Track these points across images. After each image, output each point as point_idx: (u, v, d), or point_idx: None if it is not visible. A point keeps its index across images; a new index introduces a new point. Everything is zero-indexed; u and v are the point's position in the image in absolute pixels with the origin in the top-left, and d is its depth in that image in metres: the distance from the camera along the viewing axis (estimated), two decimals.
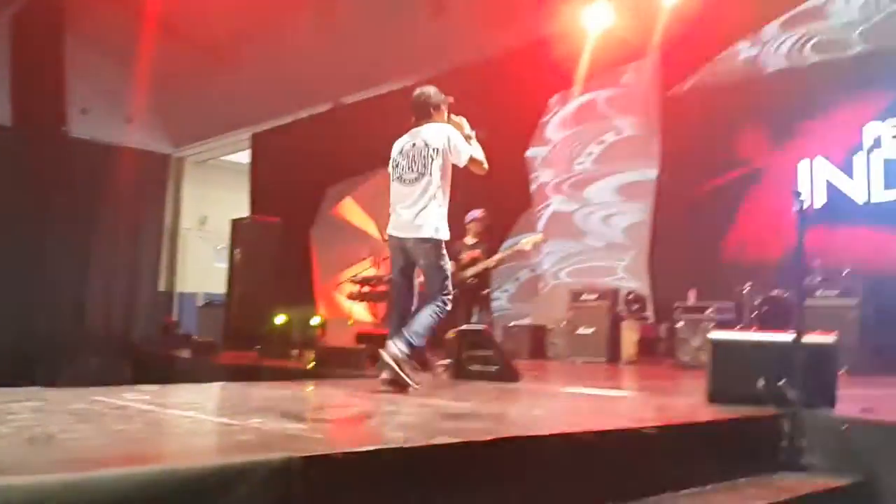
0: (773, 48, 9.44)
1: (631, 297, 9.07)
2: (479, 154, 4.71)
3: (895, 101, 8.28)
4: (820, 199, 8.70)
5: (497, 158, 11.15)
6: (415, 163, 4.53)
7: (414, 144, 4.60)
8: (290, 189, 14.03)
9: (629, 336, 8.58)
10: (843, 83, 8.67)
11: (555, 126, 11.68)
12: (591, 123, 11.15)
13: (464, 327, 5.88)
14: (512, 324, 10.18)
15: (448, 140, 4.54)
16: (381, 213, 13.37)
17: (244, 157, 16.53)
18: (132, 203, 15.33)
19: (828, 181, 8.70)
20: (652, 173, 10.36)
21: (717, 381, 3.95)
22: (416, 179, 4.51)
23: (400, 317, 4.67)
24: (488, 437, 2.68)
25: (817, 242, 7.56)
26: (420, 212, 4.46)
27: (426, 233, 4.45)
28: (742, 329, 6.68)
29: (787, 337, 3.76)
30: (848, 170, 8.56)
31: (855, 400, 4.16)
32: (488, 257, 7.17)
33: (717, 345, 4.02)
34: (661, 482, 3.04)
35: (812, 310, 6.74)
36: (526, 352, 9.29)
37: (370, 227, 13.24)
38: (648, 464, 3.09)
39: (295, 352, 8.98)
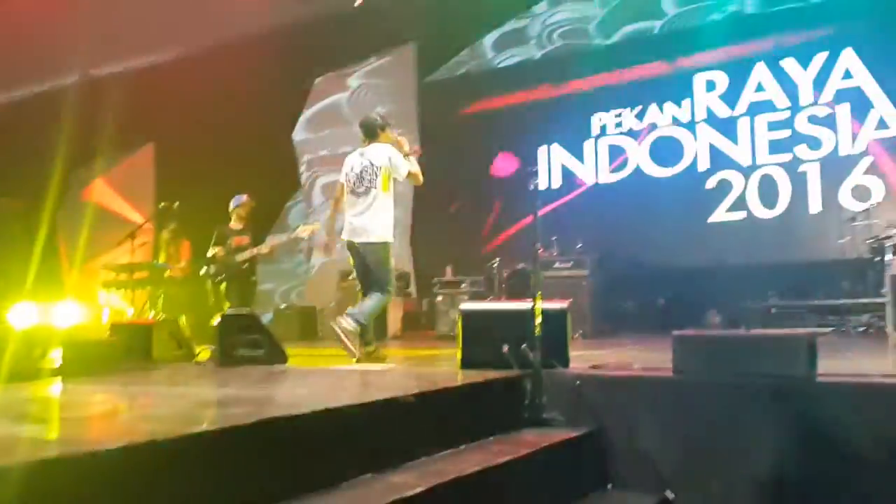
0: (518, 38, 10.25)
1: (395, 274, 9.39)
2: (416, 168, 5.44)
3: (621, 92, 9.42)
4: (556, 181, 9.69)
5: (264, 142, 10.99)
6: (362, 178, 5.29)
7: (362, 162, 5.33)
8: (30, 168, 12.54)
9: (394, 312, 8.91)
10: (574, 73, 9.66)
11: (320, 110, 11.68)
12: (357, 107, 11.31)
13: (229, 312, 5.74)
14: (283, 306, 10.10)
15: (389, 159, 5.28)
16: (138, 196, 12.59)
17: None
18: None
19: (562, 165, 9.71)
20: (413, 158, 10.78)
21: (467, 348, 4.25)
22: (365, 192, 5.27)
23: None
24: (247, 421, 2.66)
25: (554, 220, 8.46)
26: (368, 219, 5.25)
27: (373, 237, 5.26)
28: (493, 300, 7.23)
29: (526, 305, 4.12)
30: (579, 154, 9.61)
31: (586, 359, 4.69)
32: (256, 243, 7.06)
33: (467, 315, 4.32)
34: (419, 447, 3.22)
35: (551, 280, 7.52)
36: (296, 334, 9.29)
37: (126, 211, 12.32)
38: (408, 431, 3.26)
39: (40, 348, 8.12)
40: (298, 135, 11.79)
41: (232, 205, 7.19)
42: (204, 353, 5.80)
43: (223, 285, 7.02)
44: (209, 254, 7.13)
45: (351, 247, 5.37)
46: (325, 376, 4.83)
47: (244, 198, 7.21)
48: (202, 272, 7.18)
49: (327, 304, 9.50)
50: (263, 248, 7.04)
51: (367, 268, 5.35)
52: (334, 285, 9.36)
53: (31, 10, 9.70)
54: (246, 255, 6.96)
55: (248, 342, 5.31)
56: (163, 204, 8.36)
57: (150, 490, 2.20)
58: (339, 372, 4.97)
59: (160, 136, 11.82)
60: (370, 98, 11.26)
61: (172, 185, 10.67)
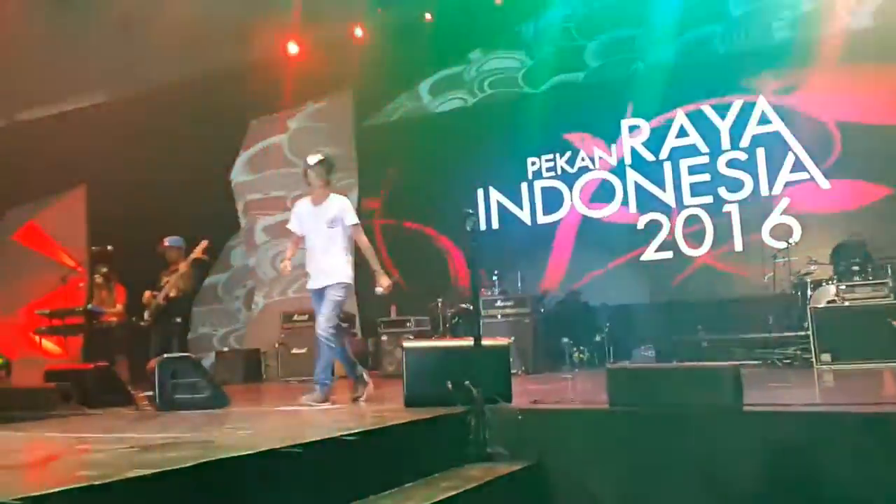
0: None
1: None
2: None
3: (551, 136, 9.76)
4: (494, 222, 9.94)
5: (200, 183, 10.88)
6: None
7: None
8: None
9: None
10: (510, 120, 9.97)
11: (258, 151, 11.71)
12: (294, 149, 11.39)
13: (166, 356, 5.65)
14: (226, 349, 9.96)
15: None
16: (70, 239, 12.23)
17: None
18: None
19: (499, 204, 9.96)
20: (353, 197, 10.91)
21: (411, 385, 4.30)
22: None
23: None
24: (189, 464, 2.65)
25: (495, 259, 8.64)
26: None
27: None
28: (437, 339, 7.31)
29: (468, 342, 4.21)
30: (516, 196, 9.88)
31: (529, 394, 4.81)
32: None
33: (410, 352, 4.38)
34: (364, 486, 3.25)
35: (493, 319, 7.67)
36: (240, 376, 9.16)
37: (59, 254, 11.98)
38: (352, 469, 3.29)
39: None
40: (236, 176, 11.77)
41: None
42: (142, 398, 5.69)
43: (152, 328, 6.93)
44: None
45: None
46: (268, 417, 4.80)
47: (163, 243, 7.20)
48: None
49: (271, 346, 9.40)
50: (169, 286, 6.94)
51: None
52: (277, 327, 9.27)
53: None
54: (160, 295, 6.89)
55: (187, 386, 5.25)
56: (96, 247, 8.20)
57: None
58: (281, 413, 4.95)
59: (92, 177, 11.60)
60: (308, 140, 11.34)
61: (105, 227, 10.46)
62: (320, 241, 5.31)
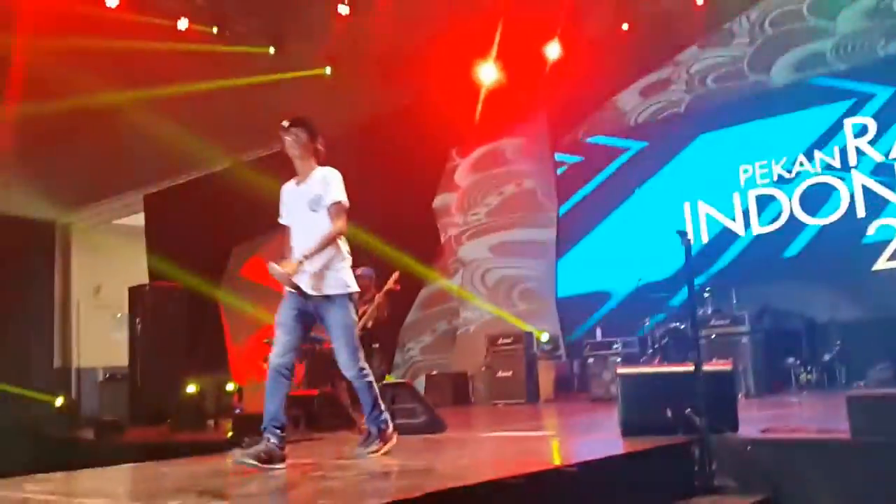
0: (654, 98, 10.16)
1: (544, 338, 9.37)
2: None
3: (769, 139, 9.08)
4: (705, 236, 9.38)
5: (404, 210, 11.38)
6: None
7: None
8: (191, 251, 13.65)
9: (546, 375, 8.85)
10: (718, 123, 9.41)
11: (460, 179, 12.06)
12: (491, 177, 11.58)
13: (385, 382, 5.91)
14: (434, 372, 10.31)
15: None
16: None
17: (139, 220, 15.89)
18: (16, 275, 14.44)
19: (709, 217, 9.40)
20: (553, 222, 10.85)
21: (628, 413, 4.15)
22: None
23: None
24: (416, 494, 2.72)
25: (706, 275, 8.14)
26: None
27: None
28: (646, 361, 7.03)
29: (688, 367, 4.00)
30: (727, 207, 9.28)
31: (755, 421, 4.47)
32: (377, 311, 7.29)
33: (626, 379, 4.23)
34: None
35: (707, 339, 7.21)
36: (449, 399, 9.43)
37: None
38: (572, 501, 3.21)
39: (210, 423, 8.67)
40: (437, 202, 12.23)
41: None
42: (363, 421, 5.97)
43: None
44: None
45: None
46: (484, 444, 4.85)
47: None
48: None
49: (478, 369, 9.59)
50: (366, 318, 7.23)
51: None
52: (482, 350, 9.44)
53: (183, 103, 10.58)
54: (358, 326, 7.25)
55: (406, 411, 5.44)
56: None
57: None
58: (496, 439, 4.98)
59: None
60: (508, 166, 11.49)
61: None
62: (303, 229, 4.10)
